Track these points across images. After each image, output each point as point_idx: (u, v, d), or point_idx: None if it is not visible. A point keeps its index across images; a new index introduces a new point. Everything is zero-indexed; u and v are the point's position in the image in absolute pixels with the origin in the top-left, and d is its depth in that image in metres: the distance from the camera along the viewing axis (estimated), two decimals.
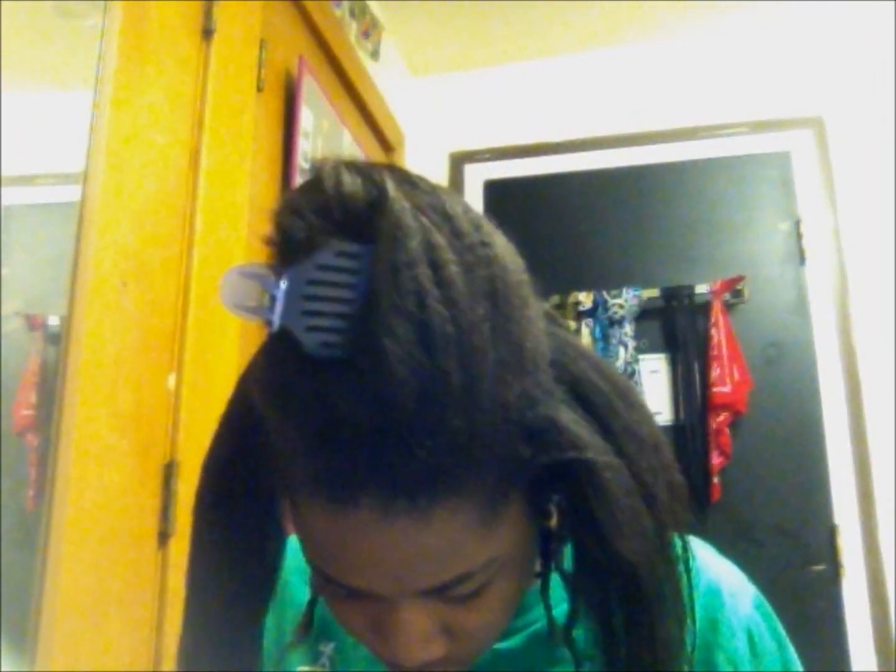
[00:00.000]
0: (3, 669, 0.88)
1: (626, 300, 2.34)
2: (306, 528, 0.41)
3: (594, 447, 0.40)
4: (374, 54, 2.31)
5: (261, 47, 1.49)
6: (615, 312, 2.33)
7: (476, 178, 2.63)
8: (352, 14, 2.13)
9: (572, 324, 2.34)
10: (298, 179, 1.61)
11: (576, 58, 2.64)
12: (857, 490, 2.18)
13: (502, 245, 0.40)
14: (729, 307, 2.34)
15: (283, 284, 0.35)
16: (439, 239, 0.36)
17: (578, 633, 0.45)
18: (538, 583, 0.48)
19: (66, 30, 1.10)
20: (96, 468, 0.97)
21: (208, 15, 1.31)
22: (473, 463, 0.36)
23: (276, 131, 1.61)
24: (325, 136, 1.79)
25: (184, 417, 1.15)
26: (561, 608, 0.48)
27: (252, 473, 0.43)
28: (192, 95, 1.25)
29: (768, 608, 0.53)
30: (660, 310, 2.38)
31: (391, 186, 0.36)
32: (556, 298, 2.37)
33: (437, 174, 2.59)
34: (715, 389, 2.23)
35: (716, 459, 2.22)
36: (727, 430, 2.23)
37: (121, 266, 1.04)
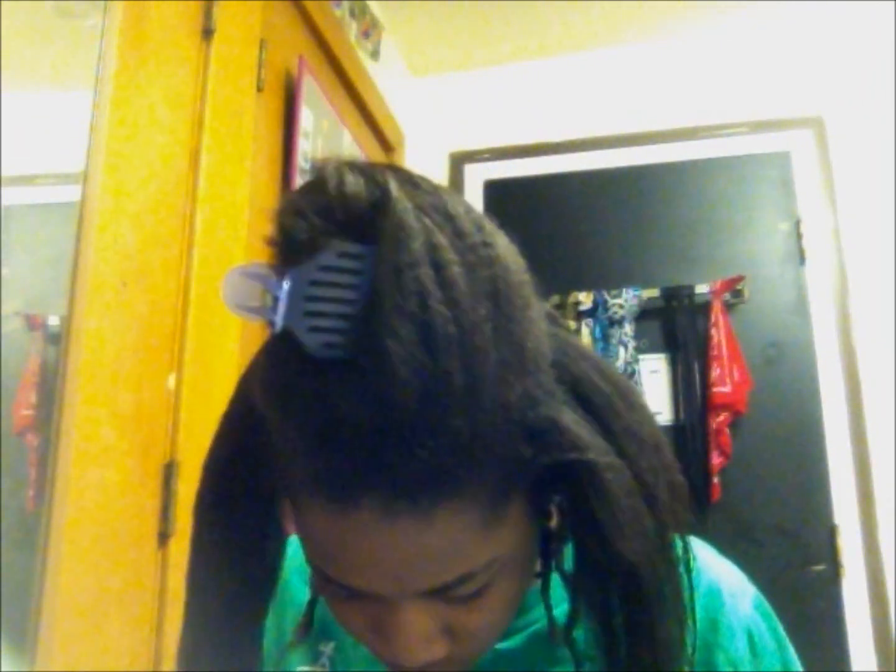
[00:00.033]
0: (3, 669, 0.88)
1: (626, 300, 2.34)
2: (307, 528, 0.41)
3: (595, 448, 0.40)
4: (374, 54, 2.31)
5: (261, 47, 1.49)
6: (615, 312, 2.33)
7: (476, 178, 2.63)
8: (352, 14, 2.13)
9: (572, 324, 2.34)
10: (298, 179, 1.61)
11: (576, 58, 2.64)
12: (857, 490, 2.18)
13: (504, 245, 0.40)
14: (729, 307, 2.34)
15: (286, 285, 0.35)
16: (441, 239, 0.36)
17: (579, 634, 0.45)
18: (538, 583, 0.48)
19: (66, 30, 1.10)
20: (96, 468, 0.97)
21: (208, 15, 1.31)
22: (475, 463, 0.36)
23: (276, 131, 1.61)
24: (325, 136, 1.79)
25: (184, 417, 1.15)
26: (561, 608, 0.48)
27: (253, 473, 0.43)
28: (192, 95, 1.25)
29: (768, 609, 0.53)
30: (660, 310, 2.38)
31: (394, 187, 0.36)
32: (556, 298, 2.37)
33: (437, 174, 2.58)
34: (715, 389, 2.23)
35: (716, 459, 2.22)
36: (727, 430, 2.23)
37: (121, 266, 1.04)
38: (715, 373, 2.24)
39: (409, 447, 0.35)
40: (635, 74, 2.59)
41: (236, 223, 1.33)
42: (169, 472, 1.11)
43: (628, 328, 2.31)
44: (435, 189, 0.39)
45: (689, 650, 0.44)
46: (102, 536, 0.98)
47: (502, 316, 0.37)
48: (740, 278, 2.33)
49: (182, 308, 1.18)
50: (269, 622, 0.51)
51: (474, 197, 2.57)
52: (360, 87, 2.11)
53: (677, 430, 2.25)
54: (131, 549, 1.03)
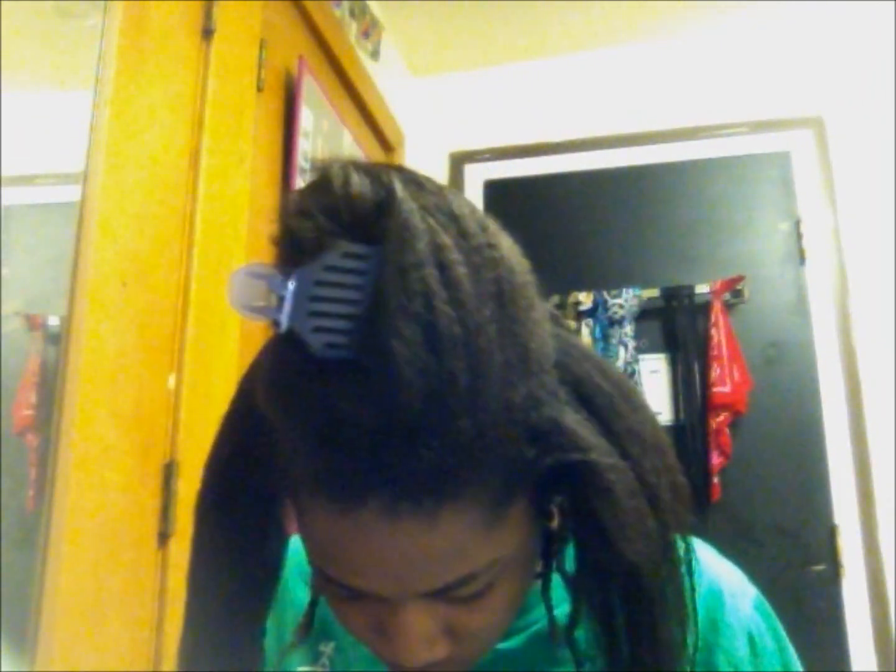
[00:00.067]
0: (3, 669, 0.88)
1: (626, 300, 2.34)
2: (310, 528, 0.40)
3: (598, 449, 0.40)
4: (374, 54, 2.31)
5: (261, 47, 1.49)
6: (615, 312, 2.33)
7: (476, 178, 2.63)
8: (352, 14, 2.13)
9: (572, 324, 2.34)
10: (298, 179, 1.61)
11: (576, 58, 2.64)
12: (857, 490, 2.18)
13: (508, 246, 0.40)
14: (729, 307, 2.34)
15: (291, 285, 0.35)
16: (446, 240, 0.36)
17: (579, 634, 0.45)
18: (539, 583, 0.48)
19: (66, 30, 1.10)
20: (96, 468, 0.97)
21: (208, 15, 1.31)
22: (479, 464, 0.36)
23: (276, 131, 1.61)
24: (325, 136, 1.79)
25: (184, 417, 1.15)
26: (562, 608, 0.48)
27: (254, 473, 0.43)
28: (192, 95, 1.25)
29: (769, 609, 0.53)
30: (660, 310, 2.38)
31: (399, 187, 0.36)
32: (556, 298, 2.37)
33: (437, 174, 2.57)
34: (715, 389, 2.23)
35: (716, 459, 2.22)
36: (727, 430, 2.23)
37: (121, 266, 1.04)
38: (715, 373, 2.24)
39: (413, 448, 0.35)
40: (635, 74, 2.59)
41: (236, 223, 1.33)
42: (169, 472, 1.11)
43: (628, 328, 2.31)
44: (439, 189, 0.39)
45: (691, 651, 0.44)
46: (102, 536, 0.97)
47: (507, 317, 0.37)
48: (740, 278, 2.33)
49: (182, 308, 1.18)
50: (269, 622, 0.51)
51: (474, 197, 2.57)
52: (360, 87, 2.11)
53: (677, 430, 2.26)
54: (131, 549, 1.03)
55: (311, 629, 0.54)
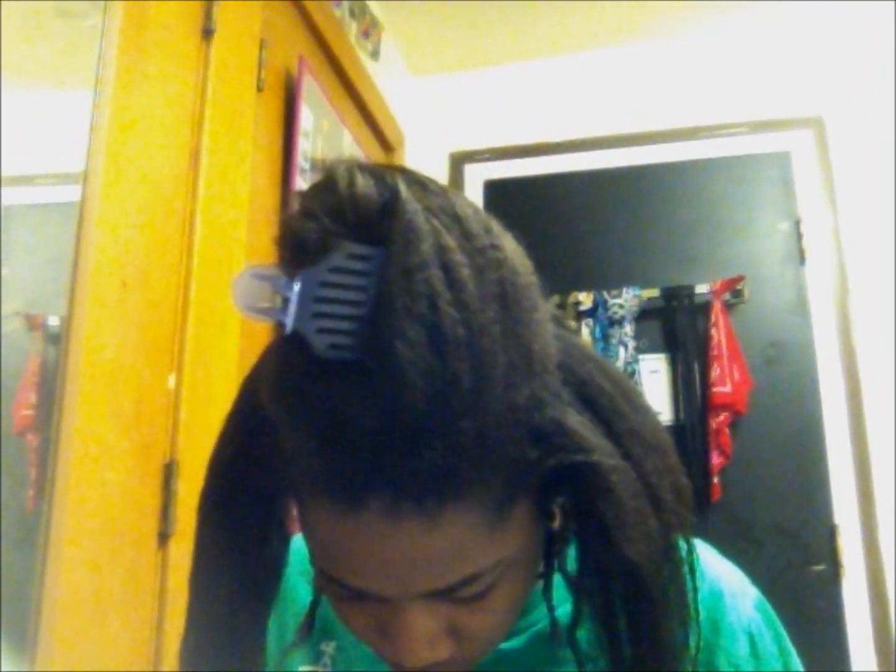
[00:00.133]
0: (3, 669, 0.88)
1: (626, 300, 2.34)
2: (313, 529, 0.41)
3: (601, 450, 0.41)
4: (374, 54, 2.31)
5: (261, 47, 1.49)
6: (615, 312, 2.33)
7: (476, 178, 2.63)
8: (352, 14, 2.13)
9: (572, 324, 2.33)
10: (298, 179, 1.61)
11: (576, 58, 2.64)
12: (857, 490, 2.18)
13: (511, 248, 0.40)
14: (729, 307, 2.34)
15: (296, 286, 0.35)
16: (450, 241, 0.36)
17: (581, 634, 0.45)
18: (541, 583, 0.48)
19: (66, 30, 1.10)
20: (96, 468, 0.97)
21: (208, 15, 1.31)
22: (482, 465, 0.36)
23: (276, 131, 1.61)
24: (325, 136, 1.79)
25: (184, 417, 1.15)
26: (563, 609, 0.48)
27: (257, 473, 0.43)
28: (192, 95, 1.25)
29: (770, 610, 0.53)
30: (660, 310, 2.38)
31: (403, 189, 0.36)
32: (556, 298, 2.37)
33: (437, 174, 2.57)
34: (715, 389, 2.23)
35: (716, 459, 2.22)
36: (727, 430, 2.24)
37: (121, 266, 1.04)
38: (715, 373, 2.24)
39: (416, 449, 0.35)
40: (635, 74, 2.59)
41: (236, 223, 1.33)
42: (169, 472, 1.11)
43: (628, 328, 2.31)
44: (443, 191, 0.39)
45: (692, 651, 0.44)
46: (102, 536, 0.97)
47: (510, 318, 0.37)
48: (740, 278, 2.33)
49: (182, 308, 1.18)
50: (271, 621, 0.51)
51: (474, 197, 2.57)
52: (360, 87, 2.11)
53: (677, 430, 2.25)
54: (131, 549, 1.03)
55: (312, 628, 0.54)
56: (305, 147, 1.66)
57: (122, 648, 1.00)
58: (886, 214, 2.28)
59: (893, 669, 2.02)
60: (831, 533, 2.17)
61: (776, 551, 2.19)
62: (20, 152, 0.98)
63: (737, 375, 2.24)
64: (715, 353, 2.26)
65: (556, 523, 0.47)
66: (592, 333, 2.34)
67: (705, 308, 2.32)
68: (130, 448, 1.04)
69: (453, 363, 0.34)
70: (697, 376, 2.30)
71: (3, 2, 0.93)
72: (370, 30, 2.27)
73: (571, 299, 2.38)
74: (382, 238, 0.35)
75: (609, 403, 0.43)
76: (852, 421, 2.22)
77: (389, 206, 0.36)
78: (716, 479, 2.20)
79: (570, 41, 2.58)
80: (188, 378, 1.16)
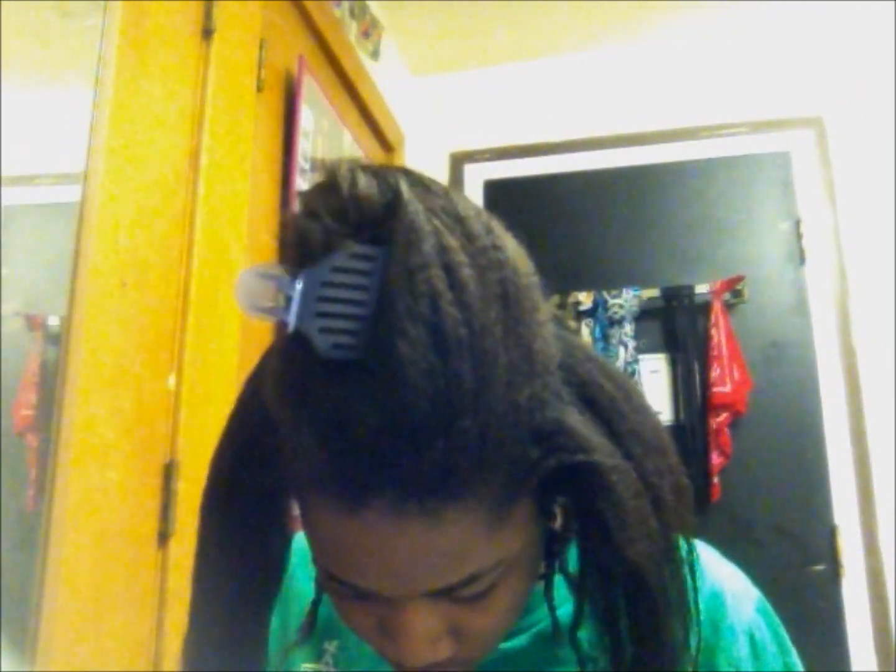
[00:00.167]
0: (3, 669, 0.88)
1: (626, 300, 2.34)
2: (314, 527, 0.41)
3: (602, 450, 0.41)
4: (374, 54, 2.31)
5: (261, 47, 1.49)
6: (615, 312, 2.33)
7: (476, 178, 2.63)
8: (352, 14, 2.13)
9: (573, 324, 2.34)
10: (298, 179, 1.61)
11: (576, 58, 2.64)
12: (857, 490, 2.18)
13: (513, 248, 0.40)
14: (729, 307, 2.34)
15: (299, 285, 0.35)
16: (452, 242, 0.36)
17: (582, 634, 0.46)
18: (542, 584, 0.49)
19: (66, 30, 1.10)
20: (96, 468, 0.97)
21: (208, 15, 1.30)
22: (483, 465, 0.37)
23: (276, 131, 1.61)
24: (325, 136, 1.79)
25: (184, 417, 1.15)
26: (564, 609, 0.48)
27: (260, 472, 0.43)
28: (192, 95, 1.25)
29: (771, 612, 0.53)
30: (660, 310, 2.39)
31: (405, 189, 0.37)
32: (556, 298, 2.37)
33: (438, 174, 2.57)
34: (715, 389, 2.24)
35: (716, 459, 2.22)
36: (727, 430, 2.24)
37: (121, 266, 1.04)
38: (715, 373, 2.24)
39: (419, 448, 0.35)
40: (635, 74, 2.59)
41: (236, 223, 1.33)
42: (169, 472, 1.11)
43: (628, 328, 2.32)
44: (445, 192, 0.39)
45: (693, 651, 0.44)
46: (102, 536, 0.97)
47: (511, 318, 0.37)
48: (740, 278, 2.33)
49: (182, 308, 1.18)
50: (276, 618, 0.52)
51: (474, 197, 2.56)
52: (360, 87, 2.11)
53: (677, 430, 2.26)
54: (131, 549, 1.03)
55: (314, 627, 0.54)
56: (305, 147, 1.66)
57: (122, 648, 1.00)
58: (886, 214, 2.28)
59: (893, 670, 2.02)
60: (831, 533, 2.17)
61: (776, 551, 2.19)
62: (20, 152, 0.98)
63: (737, 375, 2.24)
64: (715, 353, 2.26)
65: (557, 523, 0.47)
66: (592, 333, 2.34)
67: (705, 308, 2.32)
68: (130, 448, 1.04)
69: (455, 363, 0.34)
70: (697, 376, 2.30)
71: (3, 2, 0.93)
72: (370, 30, 2.27)
73: (571, 299, 2.38)
74: (384, 238, 0.36)
75: (610, 403, 0.43)
76: (852, 421, 2.22)
77: (391, 207, 0.36)
78: (716, 479, 2.21)
79: (570, 41, 2.58)
80: (188, 378, 1.16)
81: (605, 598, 0.43)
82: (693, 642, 0.44)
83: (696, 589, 0.44)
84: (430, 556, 0.38)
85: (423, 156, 2.58)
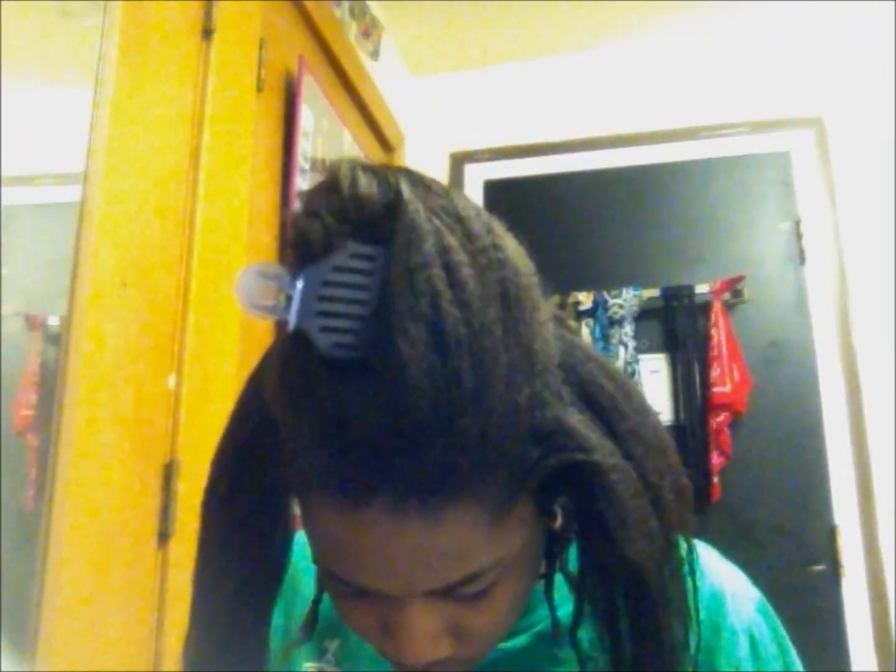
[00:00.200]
0: (3, 669, 0.88)
1: (626, 300, 2.34)
2: (316, 526, 0.41)
3: (602, 449, 0.41)
4: (374, 54, 2.31)
5: (261, 47, 1.49)
6: (615, 312, 2.33)
7: (476, 178, 2.63)
8: (352, 14, 2.13)
9: (573, 324, 2.33)
10: (298, 179, 1.61)
11: (576, 58, 2.64)
12: (857, 490, 2.18)
13: (513, 248, 0.40)
14: (729, 307, 2.34)
15: (300, 284, 0.35)
16: (452, 241, 0.36)
17: (583, 634, 0.46)
18: (542, 583, 0.49)
19: (66, 30, 1.10)
20: (96, 468, 0.97)
21: (208, 15, 1.31)
22: (484, 464, 0.37)
23: (276, 131, 1.61)
24: (325, 136, 1.79)
25: (184, 417, 1.15)
26: (565, 608, 0.48)
27: (261, 471, 0.44)
28: (192, 95, 1.25)
29: (771, 612, 0.53)
30: (660, 310, 2.39)
31: (406, 189, 0.37)
32: (556, 298, 2.37)
33: (438, 174, 2.57)
34: (715, 389, 2.24)
35: (716, 459, 2.22)
36: (727, 430, 2.24)
37: (121, 266, 1.04)
38: (715, 373, 2.24)
39: (419, 448, 0.35)
40: (635, 74, 2.59)
41: (236, 223, 1.33)
42: (169, 472, 1.11)
43: (628, 328, 2.32)
44: (445, 191, 0.40)
45: (693, 652, 0.44)
46: (102, 536, 0.97)
47: (511, 318, 0.37)
48: (740, 278, 2.33)
49: (182, 308, 1.18)
50: (279, 616, 0.52)
51: (474, 197, 2.56)
52: (360, 87, 2.12)
53: (677, 430, 2.26)
54: (131, 549, 1.03)
55: (315, 626, 0.54)
56: (305, 147, 1.66)
57: (122, 648, 1.00)
58: (886, 214, 2.28)
59: (893, 669, 2.02)
60: (831, 533, 2.17)
61: (776, 551, 2.19)
62: (20, 152, 0.98)
63: (737, 375, 2.24)
64: (715, 353, 2.26)
65: (558, 523, 0.47)
66: (592, 333, 2.34)
67: (705, 308, 2.32)
68: (130, 448, 1.04)
69: (455, 362, 0.35)
70: (697, 376, 2.30)
71: (3, 2, 0.93)
72: (370, 30, 2.27)
73: (571, 299, 2.38)
74: (385, 237, 0.36)
75: (610, 403, 0.43)
76: (852, 421, 2.22)
77: (392, 206, 0.36)
78: (716, 479, 2.21)
79: (570, 41, 2.58)
80: (188, 378, 1.16)
81: (605, 597, 0.43)
82: (693, 642, 0.44)
83: (696, 589, 0.44)
84: (430, 555, 0.38)
85: (423, 156, 2.58)
